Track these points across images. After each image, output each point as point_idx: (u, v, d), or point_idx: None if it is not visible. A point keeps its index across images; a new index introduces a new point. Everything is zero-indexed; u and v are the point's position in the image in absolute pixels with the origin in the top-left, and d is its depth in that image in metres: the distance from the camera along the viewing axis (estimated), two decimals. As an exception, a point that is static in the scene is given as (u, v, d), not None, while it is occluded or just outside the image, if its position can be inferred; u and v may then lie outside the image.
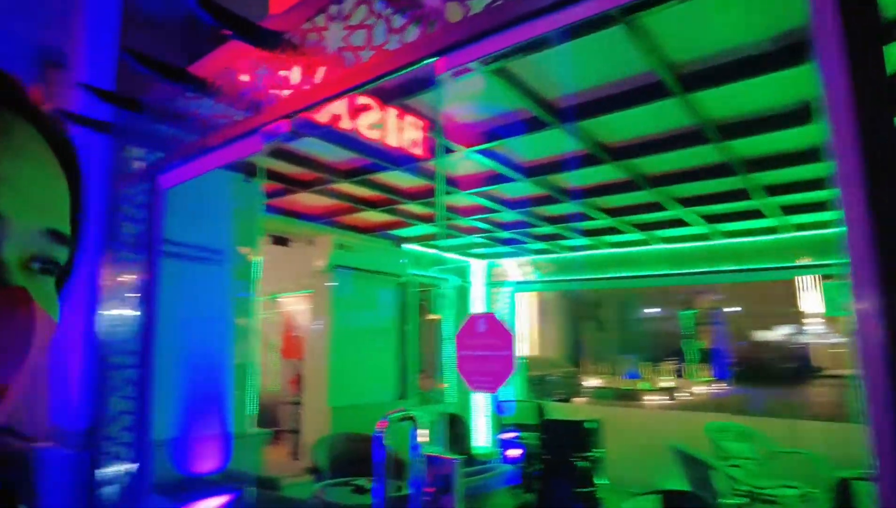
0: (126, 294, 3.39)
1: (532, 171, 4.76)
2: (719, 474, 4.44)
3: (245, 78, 2.93)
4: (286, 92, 2.66)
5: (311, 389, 6.99)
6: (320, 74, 2.51)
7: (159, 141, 3.47)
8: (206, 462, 3.71)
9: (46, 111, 0.46)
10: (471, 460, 5.74)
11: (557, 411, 7.48)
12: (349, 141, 4.08)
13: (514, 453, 5.67)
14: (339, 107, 3.72)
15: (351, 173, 4.93)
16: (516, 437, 5.89)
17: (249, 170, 4.45)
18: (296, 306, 9.31)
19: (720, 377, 18.69)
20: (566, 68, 3.13)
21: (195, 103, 3.24)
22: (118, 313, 3.36)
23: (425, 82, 3.42)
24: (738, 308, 21.31)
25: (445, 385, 8.47)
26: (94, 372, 3.35)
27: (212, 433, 3.82)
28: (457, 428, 6.39)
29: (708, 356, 19.94)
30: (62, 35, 4.02)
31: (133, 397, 3.20)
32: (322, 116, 3.71)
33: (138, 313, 3.34)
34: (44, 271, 0.43)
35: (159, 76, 3.09)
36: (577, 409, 9.79)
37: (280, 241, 7.32)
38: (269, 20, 2.73)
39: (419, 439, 1.78)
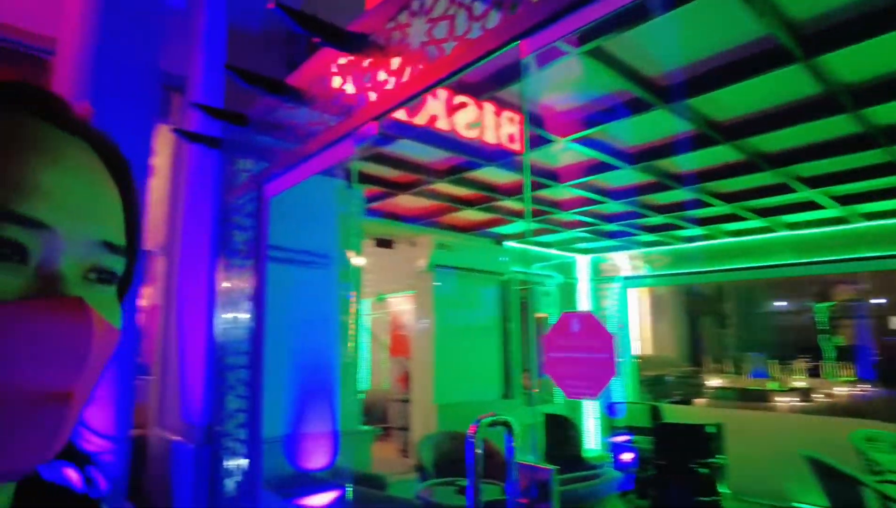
0: (239, 299, 3.59)
1: (637, 157, 4.48)
2: (869, 490, 3.90)
3: (337, 83, 2.98)
4: (373, 95, 2.67)
5: (418, 386, 7.11)
6: (406, 73, 2.49)
7: (264, 152, 3.63)
8: (316, 459, 3.84)
9: (94, 126, 0.47)
10: (580, 463, 5.53)
11: (675, 413, 7.03)
12: (446, 141, 4.06)
13: (627, 457, 5.39)
14: (437, 107, 3.69)
15: (448, 173, 4.92)
16: (629, 441, 5.60)
17: (350, 175, 4.57)
18: (402, 305, 9.53)
19: (865, 376, 16.71)
20: (668, 42, 2.87)
21: (293, 113, 3.35)
22: (232, 316, 3.56)
23: (516, 71, 3.31)
24: (884, 300, 18.95)
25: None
26: (212, 372, 3.57)
27: (320, 430, 3.95)
28: (565, 430, 6.18)
29: (848, 354, 17.91)
30: (180, 61, 4.35)
31: (246, 396, 3.38)
32: (420, 117, 3.70)
33: (249, 316, 3.52)
34: (101, 280, 0.44)
35: (261, 90, 3.23)
36: (697, 411, 9.15)
37: (384, 243, 7.51)
38: (357, 22, 2.75)
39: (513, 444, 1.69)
